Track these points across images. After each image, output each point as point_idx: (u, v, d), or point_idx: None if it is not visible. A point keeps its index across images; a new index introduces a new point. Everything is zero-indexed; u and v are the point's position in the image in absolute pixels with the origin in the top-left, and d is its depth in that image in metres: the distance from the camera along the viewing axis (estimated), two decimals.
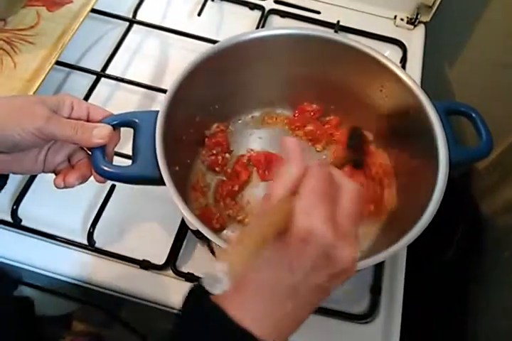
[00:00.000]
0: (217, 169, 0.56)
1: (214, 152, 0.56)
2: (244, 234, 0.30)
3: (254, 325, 0.31)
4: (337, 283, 0.33)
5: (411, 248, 0.42)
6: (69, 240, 0.53)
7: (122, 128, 0.44)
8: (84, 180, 0.43)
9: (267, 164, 0.56)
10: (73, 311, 0.86)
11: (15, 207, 0.53)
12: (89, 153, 0.42)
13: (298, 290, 0.32)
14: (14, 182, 0.56)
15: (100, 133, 0.40)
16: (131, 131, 0.44)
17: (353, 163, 0.49)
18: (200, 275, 0.51)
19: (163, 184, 0.41)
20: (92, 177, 0.43)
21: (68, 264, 0.52)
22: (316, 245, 0.30)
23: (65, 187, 0.42)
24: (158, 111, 0.44)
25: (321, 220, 0.30)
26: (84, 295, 0.60)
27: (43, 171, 0.43)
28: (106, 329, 0.93)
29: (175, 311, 0.51)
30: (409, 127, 0.50)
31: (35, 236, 0.53)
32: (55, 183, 0.42)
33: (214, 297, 0.33)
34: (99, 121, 0.42)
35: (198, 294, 0.34)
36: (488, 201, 0.67)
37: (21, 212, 0.54)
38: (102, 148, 0.41)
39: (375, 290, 0.52)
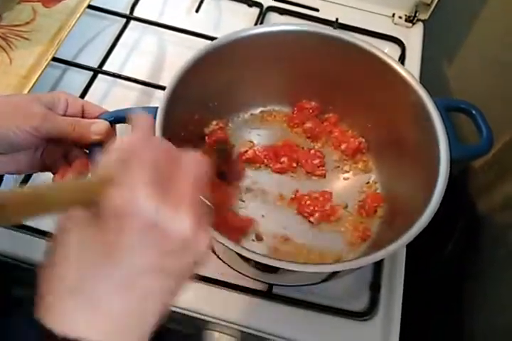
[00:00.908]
0: None
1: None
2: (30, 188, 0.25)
3: (94, 337, 0.24)
4: (183, 263, 0.27)
5: (409, 245, 0.42)
6: None
7: (120, 125, 0.44)
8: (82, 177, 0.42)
9: (276, 157, 0.56)
10: None
11: None
12: (86, 151, 0.42)
13: (126, 277, 0.25)
14: (10, 180, 0.55)
15: (97, 129, 0.40)
16: (129, 127, 0.44)
17: (218, 174, 0.51)
18: (199, 273, 0.51)
19: None
20: None
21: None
22: (137, 217, 0.25)
23: None
24: (156, 108, 0.43)
25: (143, 186, 0.25)
26: None
27: (40, 170, 0.42)
28: None
29: (173, 309, 0.51)
30: (409, 124, 0.50)
31: (34, 234, 0.53)
32: (53, 181, 0.41)
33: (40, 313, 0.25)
34: (96, 118, 0.41)
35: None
36: (485, 199, 0.67)
37: None
38: (100, 144, 0.41)
39: (375, 287, 0.52)
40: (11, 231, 0.53)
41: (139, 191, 0.25)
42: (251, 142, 0.58)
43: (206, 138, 0.56)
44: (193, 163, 0.29)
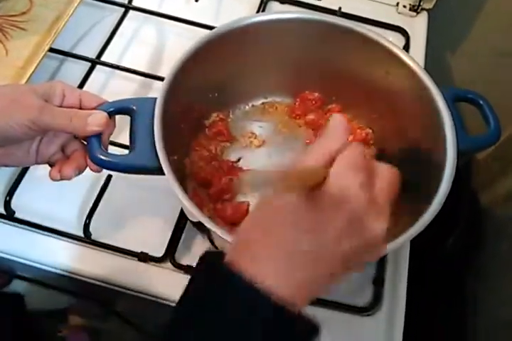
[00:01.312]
0: (218, 158, 0.54)
1: (215, 141, 0.54)
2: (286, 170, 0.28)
3: (276, 284, 0.28)
4: (362, 259, 0.31)
5: (412, 239, 0.41)
6: (64, 232, 0.51)
7: (118, 117, 0.43)
8: (81, 171, 0.41)
9: None
10: (69, 305, 0.85)
11: (8, 198, 0.52)
12: (84, 142, 0.41)
13: (323, 254, 0.29)
14: (7, 173, 0.54)
15: (95, 120, 0.38)
16: (127, 119, 0.43)
17: None
18: None
19: (162, 173, 0.40)
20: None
21: (63, 257, 0.51)
22: (350, 208, 0.28)
23: (62, 179, 0.40)
24: (155, 98, 0.42)
25: (358, 184, 0.29)
26: (81, 289, 0.59)
27: (37, 163, 0.41)
28: (102, 322, 0.92)
29: (173, 304, 0.50)
30: (415, 114, 0.49)
31: (29, 228, 0.52)
32: (50, 176, 0.40)
33: (230, 257, 0.30)
34: (94, 109, 0.40)
35: (210, 260, 0.31)
36: (487, 192, 0.67)
37: (14, 203, 0.52)
38: (98, 136, 0.40)
39: (378, 281, 0.51)
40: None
41: (355, 187, 0.29)
42: (253, 133, 0.57)
43: (206, 129, 0.55)
44: (390, 173, 0.32)
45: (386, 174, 0.31)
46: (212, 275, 0.30)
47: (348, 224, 0.29)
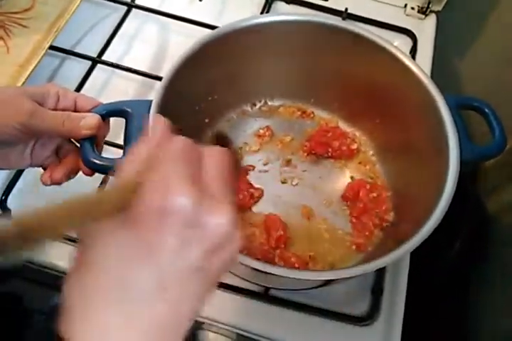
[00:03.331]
0: None
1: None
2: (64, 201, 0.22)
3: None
4: (221, 261, 0.26)
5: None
6: None
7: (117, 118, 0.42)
8: (72, 175, 0.40)
9: None
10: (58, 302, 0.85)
11: (4, 197, 0.51)
12: (78, 145, 0.40)
13: (167, 280, 0.24)
14: (3, 172, 0.54)
15: (88, 123, 0.38)
16: (122, 121, 0.42)
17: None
18: None
19: None
20: None
21: (58, 257, 0.50)
22: (177, 214, 0.23)
23: (53, 183, 0.40)
24: (151, 101, 0.42)
25: (181, 182, 0.24)
26: None
27: (31, 166, 0.41)
28: None
29: None
30: (419, 121, 0.47)
31: None
32: (41, 180, 0.40)
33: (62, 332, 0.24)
34: (89, 111, 0.39)
35: None
36: (494, 199, 0.65)
37: (11, 203, 0.52)
38: (92, 139, 0.39)
39: (377, 291, 0.50)
40: None
41: (175, 187, 0.24)
42: (253, 136, 0.56)
43: (210, 133, 0.55)
44: (216, 155, 0.28)
45: (213, 156, 0.27)
46: None
47: (180, 233, 0.24)
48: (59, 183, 0.40)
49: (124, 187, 0.25)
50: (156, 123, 0.29)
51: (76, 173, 0.41)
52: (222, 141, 0.48)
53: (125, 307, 0.24)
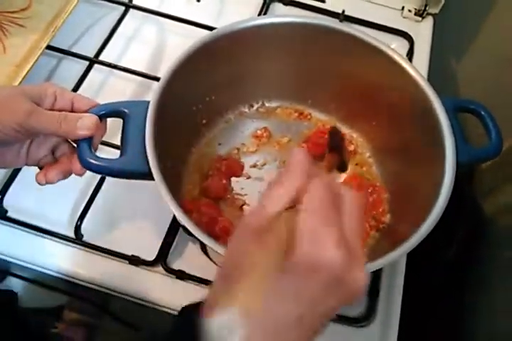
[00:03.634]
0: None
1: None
2: (237, 267, 0.27)
3: None
4: (343, 306, 0.29)
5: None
6: (55, 233, 0.51)
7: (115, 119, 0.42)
8: (66, 175, 0.40)
9: None
10: (65, 302, 0.85)
11: (0, 197, 0.51)
12: (74, 145, 0.40)
13: (304, 320, 0.28)
14: None
15: (85, 123, 0.38)
16: (120, 121, 0.42)
17: (338, 166, 0.42)
18: (191, 273, 0.49)
19: (152, 179, 0.39)
20: None
21: (54, 257, 0.50)
22: (329, 272, 0.27)
23: (47, 183, 0.39)
24: (148, 102, 0.42)
25: (331, 244, 0.27)
26: (73, 289, 0.59)
27: (27, 165, 0.41)
28: (98, 319, 0.92)
29: (164, 309, 0.49)
30: (415, 123, 0.48)
31: (21, 227, 0.51)
32: (36, 179, 0.40)
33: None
34: (86, 112, 0.39)
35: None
36: (490, 201, 0.65)
37: (7, 202, 0.52)
38: (89, 139, 0.39)
39: (373, 292, 0.50)
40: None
41: (326, 244, 0.27)
42: (250, 137, 0.56)
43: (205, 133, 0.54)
44: (357, 206, 0.29)
45: (353, 207, 0.29)
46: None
47: (327, 286, 0.27)
48: (52, 183, 0.40)
49: (280, 231, 0.28)
50: (300, 156, 0.30)
51: (69, 174, 0.41)
52: (336, 137, 0.46)
53: (265, 330, 0.28)
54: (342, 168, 0.42)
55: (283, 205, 0.28)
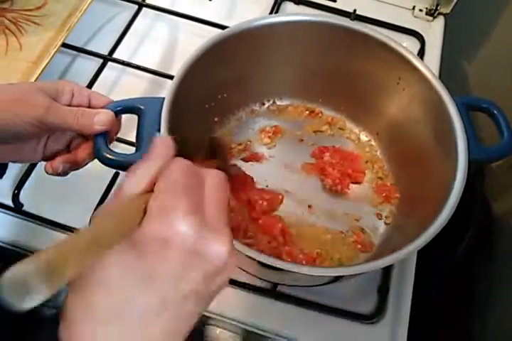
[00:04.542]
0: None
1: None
2: (78, 234, 0.23)
3: None
4: (216, 286, 0.28)
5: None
6: (70, 227, 0.52)
7: (129, 115, 0.43)
8: (73, 164, 0.40)
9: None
10: None
11: (16, 191, 0.52)
12: (89, 139, 0.41)
13: (167, 302, 0.26)
14: (16, 167, 0.55)
15: (101, 119, 0.38)
16: (136, 117, 0.43)
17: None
18: None
19: None
20: (92, 164, 0.41)
21: None
22: (180, 245, 0.25)
23: (53, 172, 0.40)
24: (163, 98, 0.42)
25: (182, 213, 0.25)
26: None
27: (44, 159, 0.41)
28: None
29: None
30: (427, 122, 0.48)
31: (37, 221, 0.52)
32: (44, 168, 0.40)
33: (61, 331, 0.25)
34: (102, 108, 0.40)
35: None
36: (501, 201, 0.65)
37: (23, 196, 0.52)
38: (104, 134, 0.39)
39: (383, 290, 0.50)
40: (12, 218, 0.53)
41: (178, 218, 0.25)
42: (261, 133, 0.57)
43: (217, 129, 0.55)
44: (216, 181, 0.29)
45: (211, 182, 0.29)
46: None
47: (183, 263, 0.26)
48: (55, 171, 0.40)
49: (128, 209, 0.26)
50: (161, 144, 0.30)
51: (79, 164, 0.41)
52: (217, 148, 0.45)
53: (125, 324, 0.26)
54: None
55: (140, 187, 0.27)
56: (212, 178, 0.29)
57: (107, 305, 0.25)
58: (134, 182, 0.28)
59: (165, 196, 0.26)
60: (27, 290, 0.19)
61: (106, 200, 0.52)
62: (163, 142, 0.30)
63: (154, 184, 0.27)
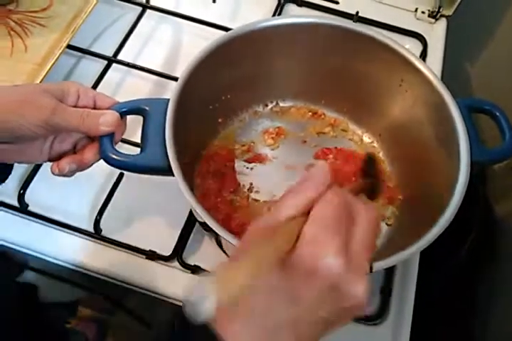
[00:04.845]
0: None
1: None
2: (243, 253, 0.27)
3: None
4: (346, 319, 0.30)
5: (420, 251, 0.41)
6: (75, 227, 0.52)
7: (133, 116, 0.43)
8: (79, 165, 0.40)
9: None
10: (80, 297, 0.86)
11: (22, 191, 0.52)
12: (95, 140, 0.41)
13: (299, 322, 0.28)
14: (21, 167, 0.55)
15: (107, 120, 0.39)
16: (141, 118, 0.43)
17: (370, 190, 0.41)
18: (207, 269, 0.50)
19: (172, 174, 0.40)
20: (97, 165, 0.42)
21: (73, 251, 0.51)
22: (325, 278, 0.27)
23: (59, 172, 0.40)
24: (168, 100, 0.43)
25: (332, 250, 0.28)
26: (90, 283, 0.60)
27: (49, 160, 0.42)
28: (111, 316, 0.93)
29: (179, 303, 0.50)
30: (429, 123, 0.48)
31: (42, 221, 0.53)
32: (51, 169, 0.40)
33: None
34: (107, 109, 0.40)
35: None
36: (502, 202, 0.65)
37: (28, 197, 0.53)
38: (110, 136, 0.40)
39: (386, 291, 0.50)
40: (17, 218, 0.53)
41: (329, 256, 0.27)
42: (264, 134, 0.57)
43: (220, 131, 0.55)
44: (370, 220, 0.30)
45: (364, 222, 0.30)
46: None
47: (322, 293, 0.28)
48: (61, 172, 0.40)
49: (284, 231, 0.29)
50: (321, 169, 0.31)
51: (85, 165, 0.41)
52: (372, 163, 0.47)
53: (258, 330, 0.29)
54: (371, 197, 0.42)
55: (295, 212, 0.29)
56: (366, 215, 0.30)
57: (255, 312, 0.29)
58: (292, 204, 0.29)
59: (320, 226, 0.28)
60: (205, 311, 0.24)
61: (111, 201, 0.52)
62: (324, 167, 0.31)
63: (309, 210, 0.29)
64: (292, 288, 0.28)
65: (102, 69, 0.61)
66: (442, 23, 0.72)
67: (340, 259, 0.27)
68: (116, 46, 0.63)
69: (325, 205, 0.29)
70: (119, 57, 0.62)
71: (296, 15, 0.66)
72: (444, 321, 0.63)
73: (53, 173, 0.41)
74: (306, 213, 0.29)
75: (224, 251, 0.49)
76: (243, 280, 0.25)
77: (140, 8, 0.67)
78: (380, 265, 0.38)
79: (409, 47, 0.68)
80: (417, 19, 0.72)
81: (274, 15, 0.68)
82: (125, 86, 0.62)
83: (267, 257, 0.27)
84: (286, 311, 0.28)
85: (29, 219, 0.53)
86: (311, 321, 0.29)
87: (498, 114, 0.45)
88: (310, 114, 0.59)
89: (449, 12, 0.71)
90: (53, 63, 0.54)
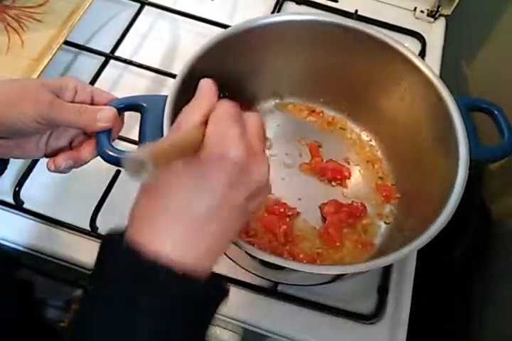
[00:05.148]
0: None
1: None
2: (160, 142, 0.30)
3: (175, 255, 0.30)
4: (255, 204, 0.33)
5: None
6: (71, 225, 0.52)
7: (131, 113, 0.43)
8: (76, 161, 0.40)
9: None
10: (73, 296, 0.86)
11: (17, 188, 0.52)
12: (92, 137, 0.41)
13: (218, 211, 0.31)
14: (17, 164, 0.54)
15: (104, 116, 0.38)
16: (138, 115, 0.43)
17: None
18: None
19: None
20: (94, 162, 0.41)
21: (69, 249, 0.51)
22: (233, 160, 0.31)
23: (55, 169, 0.40)
24: (166, 96, 0.42)
25: (234, 136, 0.31)
26: (86, 281, 0.59)
27: (46, 156, 0.41)
28: None
29: None
30: (428, 122, 0.48)
31: (37, 219, 0.52)
32: (47, 165, 0.40)
33: (130, 236, 0.31)
34: (105, 105, 0.40)
35: (110, 242, 0.33)
36: (499, 202, 0.65)
37: (24, 194, 0.52)
38: (107, 132, 0.39)
39: (383, 290, 0.50)
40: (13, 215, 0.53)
41: (232, 141, 0.31)
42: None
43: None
44: (254, 117, 0.35)
45: (253, 119, 0.35)
46: (115, 257, 0.31)
47: (234, 176, 0.31)
48: (58, 168, 0.40)
49: (188, 137, 0.32)
50: (207, 85, 0.36)
51: (81, 161, 0.40)
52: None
53: (185, 223, 0.31)
54: None
55: (196, 121, 0.33)
56: (251, 115, 0.35)
57: (170, 207, 0.31)
58: (190, 116, 0.33)
59: (219, 122, 0.32)
60: (142, 168, 0.25)
61: (107, 198, 0.52)
62: (207, 84, 0.36)
63: (206, 120, 0.33)
64: (205, 176, 0.31)
65: (99, 65, 0.60)
66: (441, 23, 0.72)
67: (242, 142, 0.31)
68: (114, 42, 0.62)
69: (218, 108, 0.34)
70: (117, 53, 0.62)
71: (294, 12, 0.66)
72: (440, 320, 0.63)
73: (49, 169, 0.40)
74: (205, 122, 0.33)
75: (225, 253, 0.48)
76: (167, 157, 0.28)
77: (138, 5, 0.66)
78: (378, 263, 0.38)
79: (408, 46, 0.67)
80: (416, 18, 0.72)
81: (272, 12, 0.68)
82: (122, 82, 0.62)
83: (179, 145, 0.30)
84: (206, 199, 0.31)
85: (25, 217, 0.52)
86: (229, 207, 0.31)
87: (496, 112, 0.45)
88: (308, 111, 0.59)
89: (447, 11, 0.71)
90: (50, 59, 0.54)
